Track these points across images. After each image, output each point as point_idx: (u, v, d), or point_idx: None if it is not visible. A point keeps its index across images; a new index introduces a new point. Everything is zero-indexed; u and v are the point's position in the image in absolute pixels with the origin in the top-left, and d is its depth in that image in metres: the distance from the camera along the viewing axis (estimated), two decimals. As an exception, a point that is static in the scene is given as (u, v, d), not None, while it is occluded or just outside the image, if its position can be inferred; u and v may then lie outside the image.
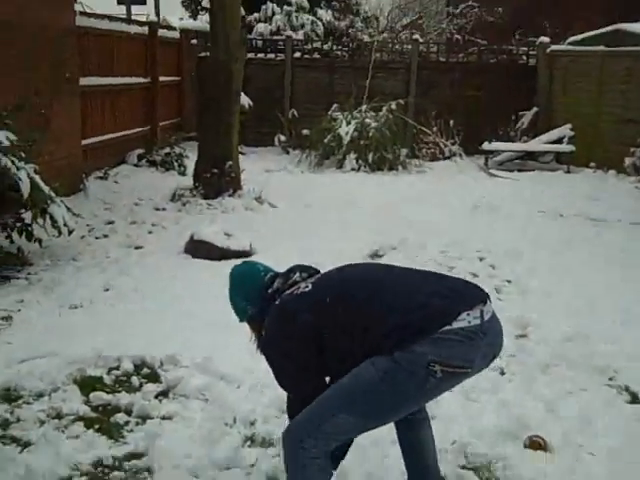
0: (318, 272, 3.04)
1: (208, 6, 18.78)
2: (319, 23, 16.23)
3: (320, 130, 12.35)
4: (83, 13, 10.28)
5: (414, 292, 2.71)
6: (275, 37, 15.40)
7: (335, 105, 12.95)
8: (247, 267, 3.19)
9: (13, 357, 4.48)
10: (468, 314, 2.60)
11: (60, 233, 6.52)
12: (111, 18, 11.60)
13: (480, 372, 2.80)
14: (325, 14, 16.73)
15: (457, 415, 3.94)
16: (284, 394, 4.07)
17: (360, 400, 2.64)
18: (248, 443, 3.68)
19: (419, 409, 3.00)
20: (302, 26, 15.98)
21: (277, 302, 2.87)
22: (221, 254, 6.70)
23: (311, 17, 16.24)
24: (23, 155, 6.45)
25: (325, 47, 15.28)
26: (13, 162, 6.20)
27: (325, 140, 12.18)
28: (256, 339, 3.01)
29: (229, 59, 9.18)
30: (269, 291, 2.94)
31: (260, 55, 14.71)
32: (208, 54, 13.25)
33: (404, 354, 2.55)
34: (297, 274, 2.97)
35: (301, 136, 13.17)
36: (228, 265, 6.28)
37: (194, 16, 19.83)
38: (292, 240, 7.23)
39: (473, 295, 2.72)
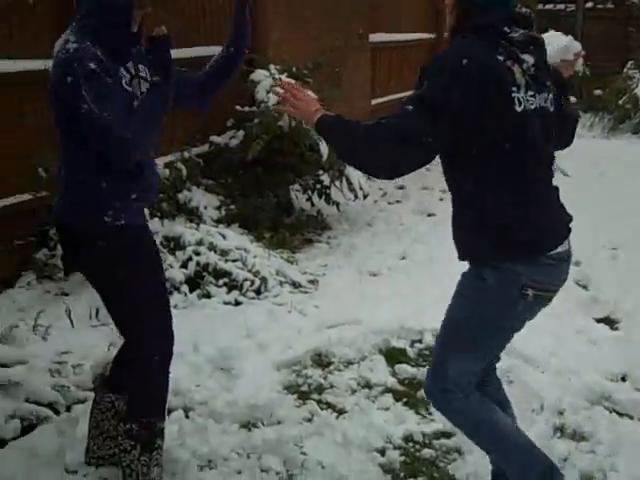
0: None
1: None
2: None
3: (614, 90, 11.65)
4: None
5: (547, 201, 2.57)
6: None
7: (631, 62, 12.14)
8: None
9: (322, 322, 4.71)
10: (566, 239, 2.58)
11: (356, 197, 6.75)
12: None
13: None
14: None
15: None
16: (593, 383, 3.98)
17: (463, 335, 2.65)
18: (557, 434, 3.59)
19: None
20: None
21: (473, 38, 2.43)
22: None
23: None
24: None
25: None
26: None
27: (620, 102, 11.48)
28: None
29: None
30: (490, 22, 2.45)
31: (549, 6, 14.08)
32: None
33: (498, 273, 2.51)
34: (518, 33, 2.46)
35: (593, 97, 12.51)
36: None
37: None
38: (589, 213, 6.90)
39: (568, 221, 2.64)
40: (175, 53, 2.71)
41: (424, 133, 2.33)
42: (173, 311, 4.61)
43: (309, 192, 6.68)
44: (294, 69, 6.98)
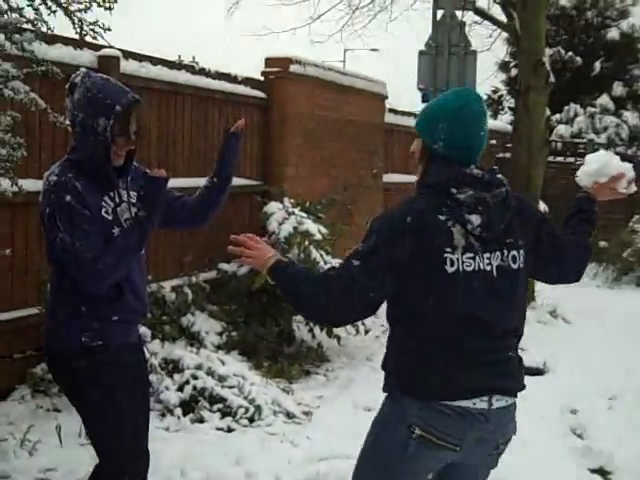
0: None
1: (511, 106, 19.35)
2: (624, 126, 15.71)
3: (619, 243, 11.87)
4: (391, 110, 10.63)
5: (468, 361, 2.47)
6: (576, 140, 15.13)
7: (637, 216, 12.40)
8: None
9: (313, 454, 4.68)
10: (481, 400, 2.47)
11: (357, 331, 6.81)
12: (416, 115, 11.96)
13: (486, 464, 2.62)
14: (631, 117, 16.18)
15: None
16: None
17: (364, 467, 2.61)
18: None
19: None
20: (605, 129, 15.59)
21: (425, 196, 2.50)
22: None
23: (616, 119, 15.78)
24: (329, 249, 6.87)
25: (629, 152, 14.73)
26: (322, 256, 6.62)
27: (624, 254, 11.67)
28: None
29: (530, 162, 9.16)
30: (438, 182, 2.49)
31: (559, 158, 14.48)
32: (506, 155, 13.41)
33: (392, 403, 2.54)
34: (465, 195, 2.46)
35: (598, 248, 12.70)
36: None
37: (494, 116, 20.09)
38: (586, 362, 6.94)
39: (501, 382, 2.51)
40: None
41: (369, 287, 2.44)
42: (164, 434, 4.70)
43: (311, 324, 6.76)
44: (307, 204, 7.22)
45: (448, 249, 2.43)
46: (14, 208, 4.75)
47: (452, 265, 2.43)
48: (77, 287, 2.79)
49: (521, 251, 2.55)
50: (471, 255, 2.46)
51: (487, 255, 2.48)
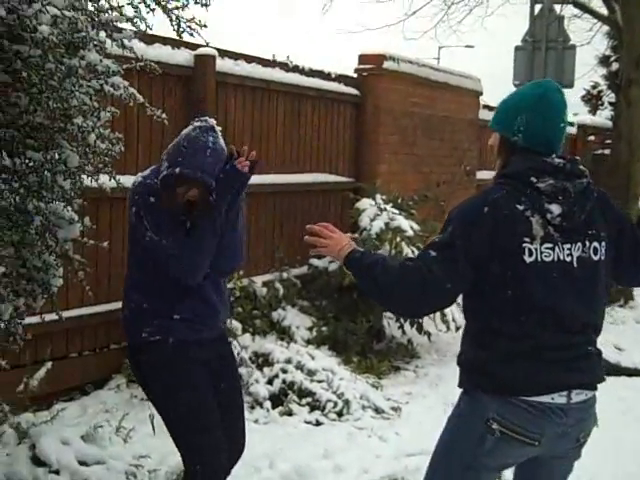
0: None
1: (611, 101, 18.78)
2: None
3: None
4: (486, 106, 10.44)
5: (541, 353, 2.43)
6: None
7: None
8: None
9: (401, 449, 4.69)
10: (560, 395, 2.43)
11: (448, 328, 6.76)
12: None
13: (563, 455, 2.56)
14: None
15: None
16: None
17: (441, 461, 2.59)
18: None
19: None
20: None
21: (503, 186, 2.48)
22: (609, 370, 6.41)
23: None
24: (421, 246, 6.83)
25: None
26: (413, 252, 6.58)
27: None
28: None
29: (631, 159, 8.88)
30: (518, 171, 2.48)
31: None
32: (604, 152, 13.03)
33: (469, 399, 2.52)
34: (546, 183, 2.44)
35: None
36: (616, 383, 6.11)
37: (593, 111, 19.52)
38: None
39: (581, 376, 2.47)
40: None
41: (445, 279, 2.41)
42: (253, 426, 4.78)
43: (401, 320, 6.75)
44: (400, 200, 7.21)
45: (527, 239, 2.41)
46: (112, 202, 4.92)
47: (530, 255, 2.40)
48: (145, 285, 2.96)
49: (603, 243, 2.51)
50: (550, 245, 2.43)
51: (567, 246, 2.45)
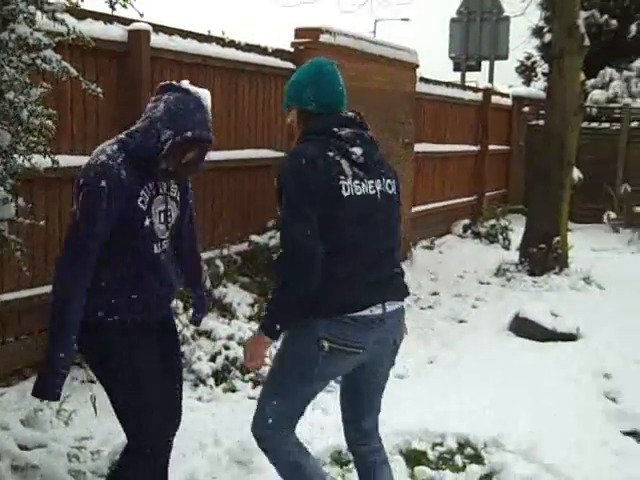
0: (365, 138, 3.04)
1: (543, 72, 19.05)
2: (662, 88, 15.41)
3: (655, 208, 11.71)
4: (422, 79, 10.46)
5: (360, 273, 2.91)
6: (611, 105, 14.87)
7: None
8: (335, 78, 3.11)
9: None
10: (377, 307, 2.93)
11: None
12: (447, 84, 11.81)
13: (383, 359, 3.12)
14: (671, 77, 15.84)
15: None
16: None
17: (279, 382, 3.06)
18: None
19: (376, 450, 3.30)
20: (641, 93, 15.30)
21: (312, 141, 2.94)
22: (546, 335, 6.58)
23: (651, 82, 15.49)
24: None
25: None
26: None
27: (660, 219, 11.53)
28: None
29: (564, 128, 9.01)
30: (322, 126, 2.98)
31: (593, 124, 14.22)
32: (539, 122, 13.23)
33: (299, 329, 2.92)
34: (345, 131, 2.97)
35: (633, 214, 12.57)
36: (553, 348, 6.28)
37: (527, 82, 19.77)
38: (618, 328, 6.90)
39: (384, 291, 2.97)
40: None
41: (309, 235, 2.81)
42: (197, 403, 4.77)
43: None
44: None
45: (342, 177, 2.88)
46: (48, 182, 4.82)
47: (346, 190, 2.88)
48: (101, 264, 2.83)
49: (394, 180, 3.09)
50: (358, 182, 2.92)
51: (371, 182, 2.97)
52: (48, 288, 4.82)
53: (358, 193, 2.90)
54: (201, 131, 2.84)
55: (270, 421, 3.07)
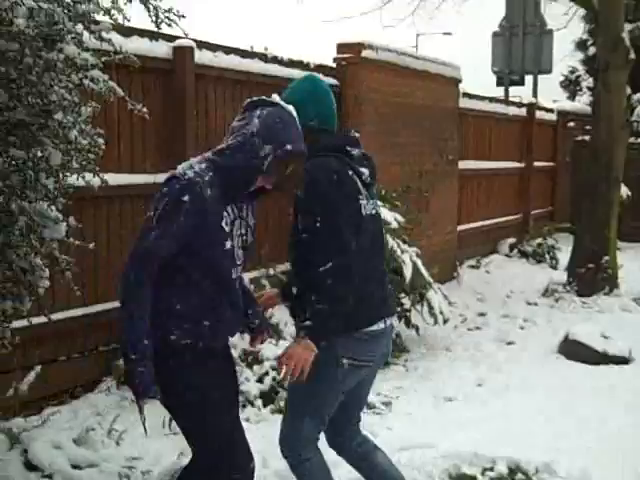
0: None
1: (588, 86, 18.76)
2: None
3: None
4: (465, 94, 10.30)
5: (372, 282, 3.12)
6: (658, 120, 14.61)
7: None
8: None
9: (393, 444, 4.62)
10: (382, 322, 3.11)
11: (436, 321, 6.70)
12: (491, 99, 11.67)
13: (378, 367, 3.31)
14: None
15: None
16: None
17: (304, 403, 3.15)
18: None
19: (364, 440, 3.49)
20: (688, 108, 15.00)
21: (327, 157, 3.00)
22: (597, 358, 6.41)
23: None
24: (406, 238, 6.76)
25: None
26: (398, 245, 6.51)
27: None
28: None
29: (611, 142, 8.83)
30: (336, 143, 3.09)
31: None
32: (585, 138, 13.01)
33: (319, 349, 2.91)
34: (356, 151, 3.09)
35: (683, 231, 12.30)
36: (604, 371, 6.11)
37: (572, 97, 19.45)
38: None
39: (388, 307, 3.21)
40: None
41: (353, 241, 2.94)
42: (246, 425, 4.62)
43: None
44: (383, 192, 7.12)
45: (360, 196, 3.04)
46: (97, 201, 4.82)
47: (364, 209, 3.04)
48: (175, 287, 2.77)
49: (378, 201, 3.30)
50: (366, 202, 3.07)
51: (372, 202, 3.12)
52: (98, 307, 4.91)
53: (368, 213, 3.07)
54: (299, 144, 2.80)
55: (300, 441, 3.19)
